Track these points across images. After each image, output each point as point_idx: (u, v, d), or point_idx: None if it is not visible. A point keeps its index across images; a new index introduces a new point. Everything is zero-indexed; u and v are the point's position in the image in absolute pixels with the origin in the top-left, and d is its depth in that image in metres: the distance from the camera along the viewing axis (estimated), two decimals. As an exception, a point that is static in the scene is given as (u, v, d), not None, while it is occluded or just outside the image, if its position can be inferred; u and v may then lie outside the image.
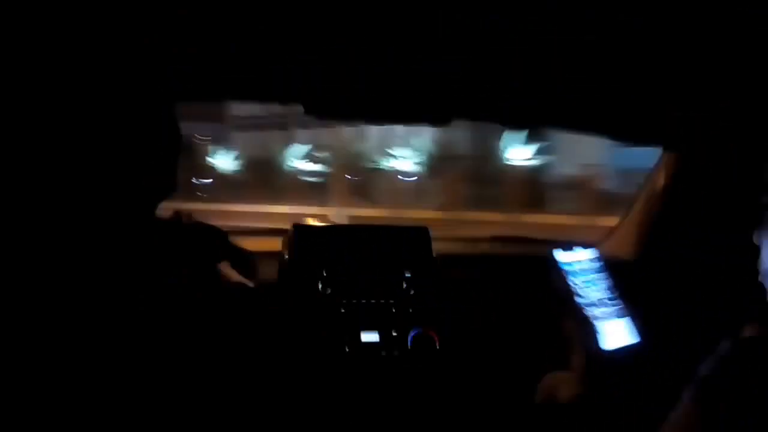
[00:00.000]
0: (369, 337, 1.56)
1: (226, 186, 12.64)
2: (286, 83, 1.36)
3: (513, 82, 1.31)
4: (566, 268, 1.25)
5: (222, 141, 13.99)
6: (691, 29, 0.96)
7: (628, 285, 1.51)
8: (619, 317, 1.23)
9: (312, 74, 1.30)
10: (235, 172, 13.65)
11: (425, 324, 1.59)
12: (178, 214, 1.40)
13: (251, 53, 1.20)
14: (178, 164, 1.16)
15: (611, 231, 1.94)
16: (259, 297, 1.54)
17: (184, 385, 1.26)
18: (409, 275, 1.64)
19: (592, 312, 1.19)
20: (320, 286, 1.58)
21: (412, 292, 1.62)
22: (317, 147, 12.51)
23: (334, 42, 1.13)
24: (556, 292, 1.25)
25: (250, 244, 1.75)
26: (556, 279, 1.24)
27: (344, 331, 1.55)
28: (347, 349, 1.53)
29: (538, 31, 1.02)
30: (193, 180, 11.85)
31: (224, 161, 13.68)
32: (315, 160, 12.61)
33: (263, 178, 12.79)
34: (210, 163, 13.35)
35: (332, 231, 1.73)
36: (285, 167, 13.07)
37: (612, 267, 1.34)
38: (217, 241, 1.45)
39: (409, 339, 1.56)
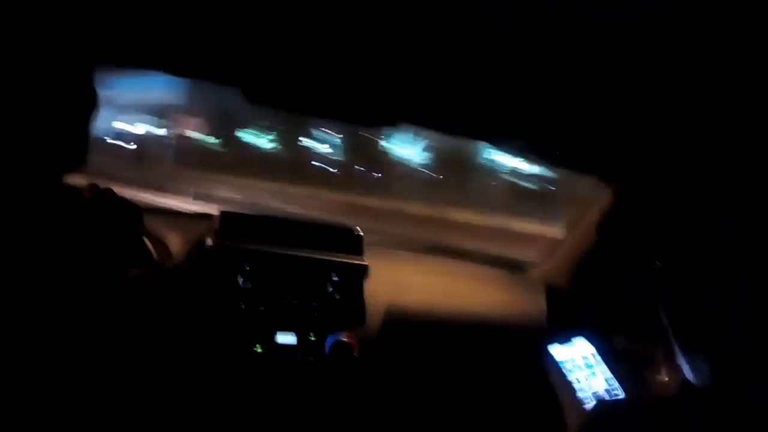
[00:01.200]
0: (285, 338, 1.49)
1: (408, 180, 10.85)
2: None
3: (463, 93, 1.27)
4: (563, 366, 1.30)
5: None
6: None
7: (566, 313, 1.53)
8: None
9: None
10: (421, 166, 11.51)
11: (345, 330, 1.53)
12: (94, 186, 1.29)
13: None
14: (90, 133, 1.06)
15: (550, 254, 1.94)
16: (174, 282, 1.45)
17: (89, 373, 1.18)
18: (335, 278, 1.57)
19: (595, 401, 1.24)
20: (240, 279, 1.49)
21: (336, 296, 1.56)
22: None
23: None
24: (554, 390, 1.30)
25: (177, 226, 1.65)
26: (553, 377, 1.29)
27: (259, 330, 1.47)
28: (260, 349, 1.45)
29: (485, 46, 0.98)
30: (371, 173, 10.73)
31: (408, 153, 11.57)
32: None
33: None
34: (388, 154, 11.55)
35: (261, 222, 1.64)
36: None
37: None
38: (131, 219, 1.35)
39: (327, 345, 1.50)
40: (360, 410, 1.51)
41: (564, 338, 1.37)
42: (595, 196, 1.71)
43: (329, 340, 1.50)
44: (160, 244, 1.51)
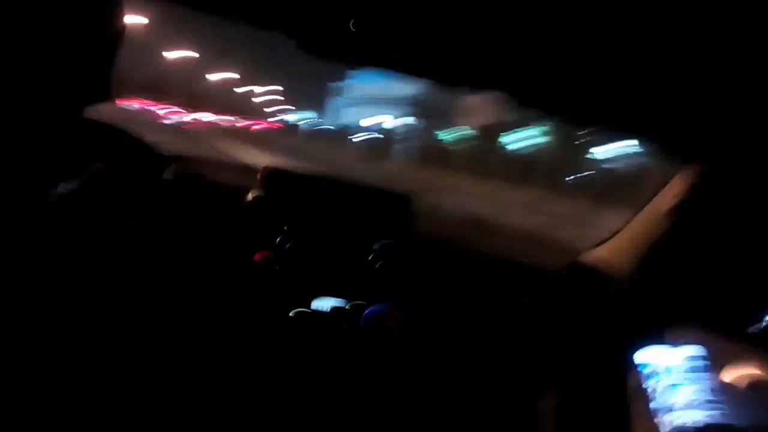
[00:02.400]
0: (319, 305, 1.42)
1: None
2: None
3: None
4: (646, 369, 1.13)
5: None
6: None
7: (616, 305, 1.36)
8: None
9: None
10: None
11: (385, 302, 1.44)
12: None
13: None
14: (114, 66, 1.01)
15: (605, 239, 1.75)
16: (217, 237, 1.41)
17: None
18: (378, 246, 1.47)
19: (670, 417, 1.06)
20: (279, 240, 1.42)
21: (377, 265, 1.46)
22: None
23: None
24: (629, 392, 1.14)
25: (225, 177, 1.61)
26: (631, 380, 1.13)
27: (293, 294, 1.41)
28: (292, 315, 1.39)
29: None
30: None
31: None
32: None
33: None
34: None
35: (307, 181, 1.56)
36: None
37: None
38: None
39: (364, 317, 1.42)
40: (389, 384, 1.43)
41: (653, 340, 1.19)
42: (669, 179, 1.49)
43: (366, 312, 1.42)
44: (207, 191, 1.47)
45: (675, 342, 1.20)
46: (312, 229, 1.45)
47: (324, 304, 1.42)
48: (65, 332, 1.17)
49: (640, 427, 1.10)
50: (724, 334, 1.22)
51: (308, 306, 1.41)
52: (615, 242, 1.62)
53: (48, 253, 1.06)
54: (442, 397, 1.47)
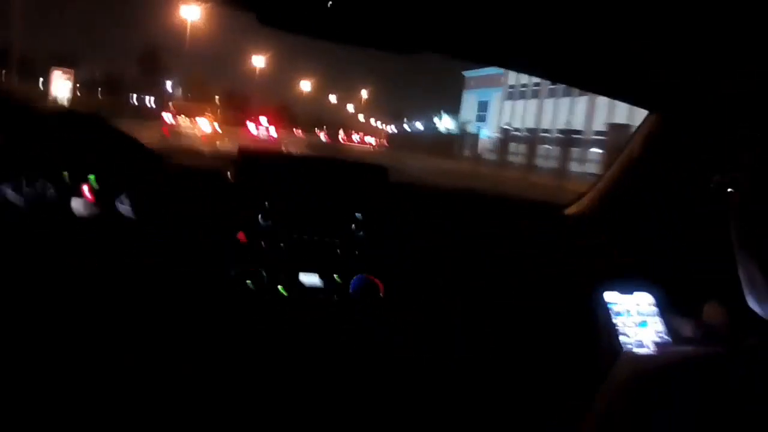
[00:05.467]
0: (308, 278, 1.43)
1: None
2: None
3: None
4: (614, 307, 1.23)
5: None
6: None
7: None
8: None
9: None
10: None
11: (371, 270, 1.46)
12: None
13: None
14: None
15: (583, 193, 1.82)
16: (199, 221, 1.40)
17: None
18: (359, 216, 1.49)
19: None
20: (260, 217, 1.43)
21: (360, 233, 1.48)
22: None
23: None
24: (598, 330, 1.22)
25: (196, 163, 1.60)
26: (600, 317, 1.22)
27: (281, 269, 1.41)
28: (283, 290, 1.40)
29: None
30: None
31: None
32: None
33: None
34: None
35: (281, 159, 1.56)
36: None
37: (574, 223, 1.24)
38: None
39: (352, 284, 1.44)
40: (385, 352, 1.46)
41: (623, 287, 1.27)
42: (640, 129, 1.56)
43: (354, 281, 1.44)
44: (183, 180, 1.46)
45: (640, 285, 1.28)
46: (291, 206, 1.46)
47: (312, 278, 1.43)
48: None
49: (610, 357, 1.17)
50: (683, 278, 1.31)
51: (296, 281, 1.42)
52: (592, 194, 1.69)
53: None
54: (434, 369, 1.50)
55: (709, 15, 0.85)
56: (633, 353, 1.02)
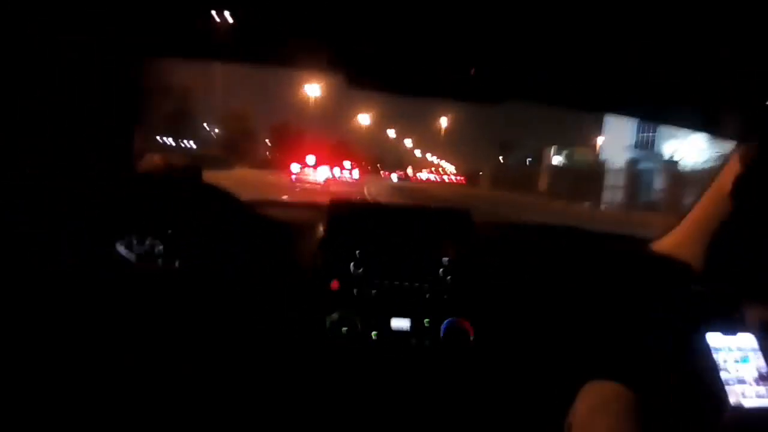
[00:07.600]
0: (399, 323, 1.48)
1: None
2: None
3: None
4: (715, 346, 1.20)
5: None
6: None
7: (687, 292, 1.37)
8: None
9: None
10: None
11: (460, 314, 1.49)
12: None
13: None
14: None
15: (668, 228, 1.77)
16: (295, 272, 1.49)
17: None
18: (446, 260, 1.54)
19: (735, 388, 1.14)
20: (352, 266, 1.50)
21: (449, 278, 1.52)
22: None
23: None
24: (698, 372, 1.20)
25: (290, 215, 1.71)
26: (702, 360, 1.19)
27: (373, 316, 1.47)
28: (375, 336, 1.46)
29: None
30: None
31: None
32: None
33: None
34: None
35: (370, 209, 1.64)
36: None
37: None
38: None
39: (442, 329, 1.47)
40: (475, 396, 1.47)
41: (726, 328, 1.23)
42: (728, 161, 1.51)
43: (444, 324, 1.47)
44: (277, 234, 1.57)
45: (742, 325, 1.23)
46: (381, 254, 1.52)
47: (403, 322, 1.48)
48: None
49: (711, 397, 1.13)
50: None
51: (388, 326, 1.47)
52: (681, 229, 1.64)
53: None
54: (519, 406, 1.49)
55: None
56: (742, 409, 0.98)
